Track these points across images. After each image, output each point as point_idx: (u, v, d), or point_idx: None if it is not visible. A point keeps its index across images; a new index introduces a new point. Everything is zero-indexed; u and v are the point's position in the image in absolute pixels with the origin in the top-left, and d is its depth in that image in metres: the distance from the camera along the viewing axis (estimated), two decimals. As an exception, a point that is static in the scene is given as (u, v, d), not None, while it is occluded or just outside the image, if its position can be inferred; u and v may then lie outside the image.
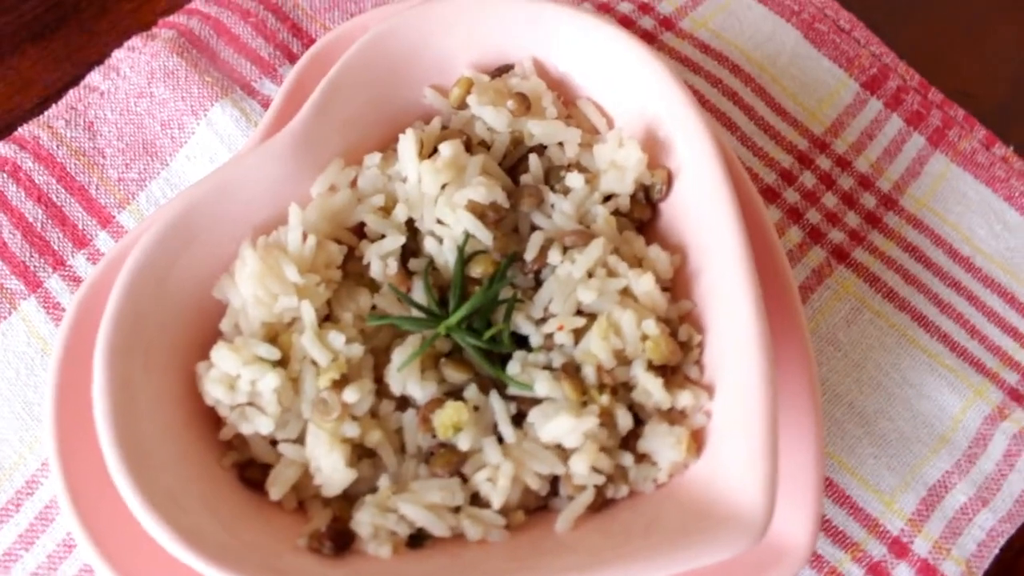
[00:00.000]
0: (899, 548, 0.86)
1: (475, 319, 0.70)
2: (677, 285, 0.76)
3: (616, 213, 0.77)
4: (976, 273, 0.98)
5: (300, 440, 0.69)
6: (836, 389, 0.92)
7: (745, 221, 0.71)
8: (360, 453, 0.70)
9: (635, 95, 0.80)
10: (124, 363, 0.67)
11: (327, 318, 0.73)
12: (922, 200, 1.01)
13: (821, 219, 0.99)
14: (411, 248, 0.76)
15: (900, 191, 1.01)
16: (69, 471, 0.71)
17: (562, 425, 0.66)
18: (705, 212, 0.74)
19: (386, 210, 0.76)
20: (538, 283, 0.74)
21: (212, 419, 0.71)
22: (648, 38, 1.06)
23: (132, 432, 0.66)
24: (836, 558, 0.86)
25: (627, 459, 0.69)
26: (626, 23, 1.07)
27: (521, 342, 0.73)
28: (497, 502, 0.67)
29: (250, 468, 0.70)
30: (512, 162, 0.80)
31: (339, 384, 0.67)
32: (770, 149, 1.02)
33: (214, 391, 0.68)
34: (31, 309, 0.89)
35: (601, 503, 0.69)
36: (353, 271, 0.75)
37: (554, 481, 0.70)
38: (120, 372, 0.67)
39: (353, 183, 0.77)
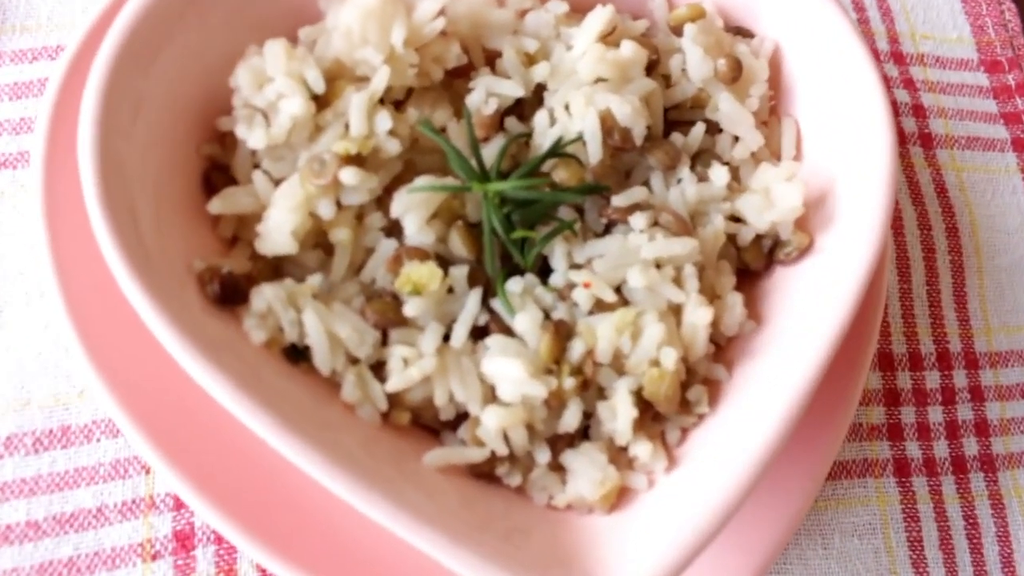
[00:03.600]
0: None
1: (518, 212, 0.60)
2: (728, 349, 0.64)
3: (730, 239, 0.65)
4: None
5: (279, 183, 0.61)
6: (790, 577, 0.78)
7: (837, 356, 0.58)
8: (318, 242, 0.61)
9: (842, 158, 0.67)
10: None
11: (397, 105, 0.64)
12: (1021, 490, 0.85)
13: (912, 424, 0.84)
14: (521, 110, 0.66)
15: (1010, 464, 0.86)
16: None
17: (511, 371, 0.56)
18: (810, 312, 0.62)
19: (530, 60, 0.66)
20: (604, 234, 0.63)
21: (221, 107, 0.63)
22: (898, 138, 0.92)
23: (144, 57, 0.59)
24: None
25: (543, 455, 0.59)
26: (890, 108, 0.93)
27: (543, 271, 0.62)
28: (393, 384, 0.57)
29: (218, 172, 0.62)
30: (679, 118, 0.68)
31: (350, 160, 0.58)
32: (922, 326, 0.87)
33: (242, 77, 0.60)
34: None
35: (484, 473, 0.59)
36: (455, 87, 0.66)
37: (461, 416, 0.60)
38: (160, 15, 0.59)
39: (521, 15, 0.67)
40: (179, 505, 0.69)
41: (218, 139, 0.63)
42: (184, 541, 0.68)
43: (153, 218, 0.58)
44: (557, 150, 0.60)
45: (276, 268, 0.61)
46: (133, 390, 0.61)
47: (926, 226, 0.90)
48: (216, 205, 0.60)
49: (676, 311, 0.61)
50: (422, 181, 0.59)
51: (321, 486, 0.52)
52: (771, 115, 0.70)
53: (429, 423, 0.60)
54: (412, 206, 0.58)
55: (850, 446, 0.82)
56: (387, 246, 0.60)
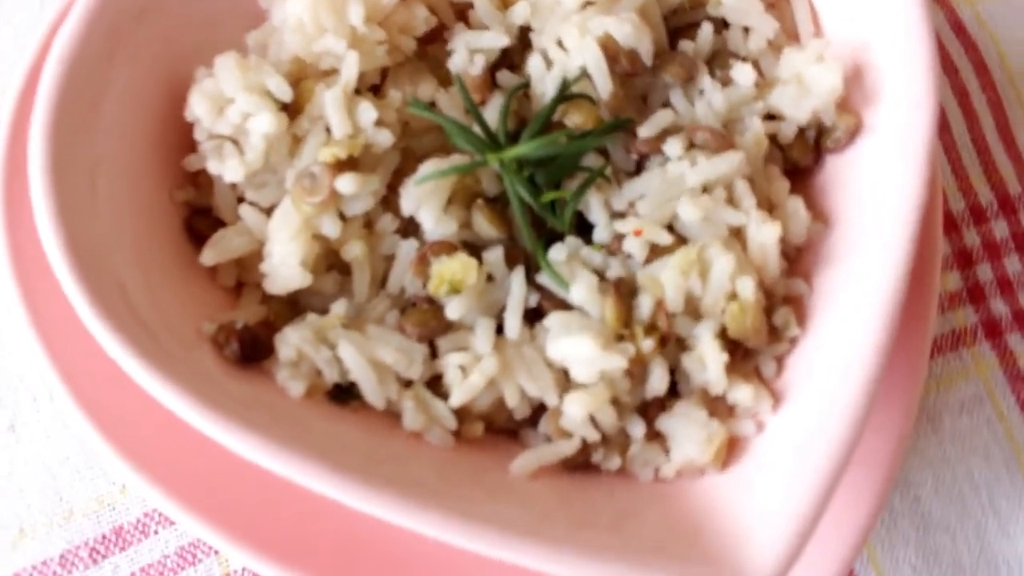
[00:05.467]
0: None
1: (540, 172, 0.53)
2: (800, 259, 0.58)
3: (772, 140, 0.58)
4: None
5: (271, 212, 0.54)
6: (909, 475, 0.73)
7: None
8: (331, 263, 0.55)
9: (867, 18, 0.59)
10: (108, 25, 0.52)
11: (374, 91, 0.57)
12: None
13: (991, 280, 0.79)
14: (510, 60, 0.59)
15: (1100, 294, 0.80)
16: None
17: (580, 348, 0.50)
18: (879, 192, 0.56)
19: (504, 3, 0.59)
20: (638, 171, 0.57)
21: (184, 143, 0.56)
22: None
23: (82, 116, 0.52)
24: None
25: (637, 429, 0.53)
26: (884, -47, 0.85)
27: (583, 230, 0.56)
28: (456, 399, 0.51)
29: (200, 217, 0.56)
30: (679, 24, 0.61)
31: (343, 166, 0.51)
32: (974, 174, 0.81)
33: (199, 106, 0.53)
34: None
35: (579, 464, 0.53)
36: (432, 54, 0.59)
37: (537, 410, 0.54)
38: (96, 40, 0.52)
39: (481, -47, 0.59)
40: (259, 577, 0.64)
41: (190, 180, 0.56)
42: (275, 612, 0.63)
43: (144, 290, 0.52)
44: (564, 94, 0.54)
45: (293, 304, 0.55)
46: (178, 476, 0.55)
47: (951, 69, 0.83)
48: (209, 256, 0.53)
49: (738, 234, 0.54)
50: (427, 167, 0.52)
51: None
52: (779, -5, 0.63)
53: (504, 426, 0.55)
54: (424, 197, 0.52)
55: (936, 321, 0.76)
56: (407, 248, 0.54)
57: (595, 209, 0.54)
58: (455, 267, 0.51)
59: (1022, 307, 0.78)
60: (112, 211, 0.51)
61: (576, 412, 0.50)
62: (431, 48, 0.59)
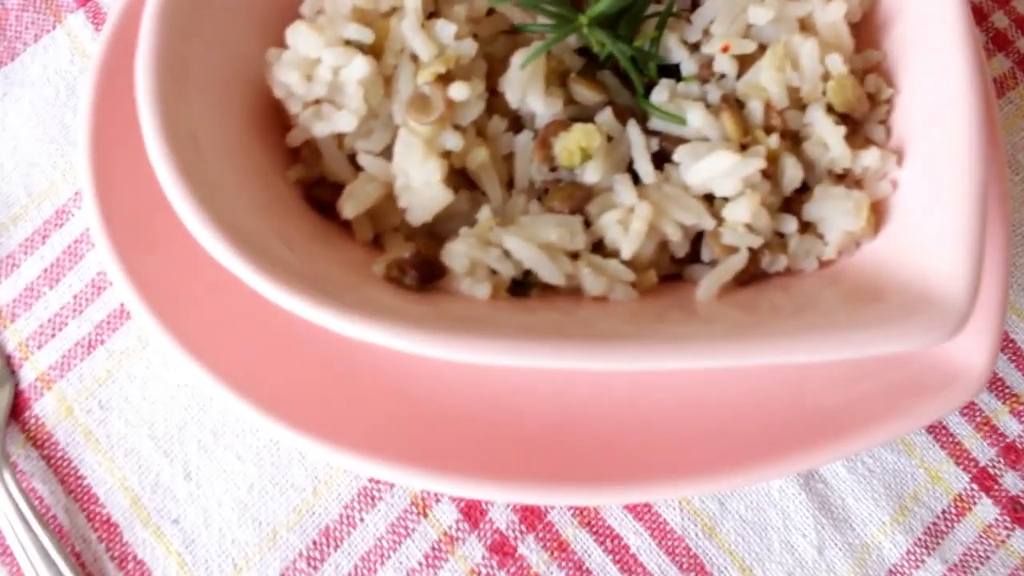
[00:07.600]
0: (1067, 408, 0.72)
1: (619, 27, 0.56)
2: (862, 35, 0.61)
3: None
4: None
5: (385, 155, 0.56)
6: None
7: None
8: (457, 183, 0.56)
9: None
10: (179, 39, 0.54)
11: (432, 17, 0.59)
12: None
13: (1009, 24, 0.82)
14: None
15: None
16: (104, 198, 0.59)
17: (718, 164, 0.52)
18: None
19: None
20: (694, 7, 0.59)
21: (278, 124, 0.58)
22: None
23: (183, 128, 0.53)
24: (992, 408, 0.71)
25: (790, 224, 0.55)
26: None
27: (668, 74, 0.58)
28: (628, 250, 0.53)
29: (319, 187, 0.57)
30: None
31: (444, 80, 0.53)
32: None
33: (287, 77, 0.54)
34: (78, 24, 0.77)
35: (751, 274, 0.55)
36: (463, -26, 0.61)
37: (695, 244, 0.56)
38: (174, 49, 0.54)
39: None
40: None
41: (294, 157, 0.58)
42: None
43: (296, 258, 0.53)
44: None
45: (433, 235, 0.56)
46: (385, 442, 0.56)
47: None
48: (349, 209, 0.54)
49: (806, 25, 0.57)
50: (520, 55, 0.54)
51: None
52: None
53: (669, 271, 0.57)
54: (527, 84, 0.54)
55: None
56: (523, 141, 0.56)
57: (675, 48, 0.57)
58: (578, 136, 0.53)
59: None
60: (233, 186, 0.52)
61: (740, 215, 0.52)
62: (462, -31, 0.61)
